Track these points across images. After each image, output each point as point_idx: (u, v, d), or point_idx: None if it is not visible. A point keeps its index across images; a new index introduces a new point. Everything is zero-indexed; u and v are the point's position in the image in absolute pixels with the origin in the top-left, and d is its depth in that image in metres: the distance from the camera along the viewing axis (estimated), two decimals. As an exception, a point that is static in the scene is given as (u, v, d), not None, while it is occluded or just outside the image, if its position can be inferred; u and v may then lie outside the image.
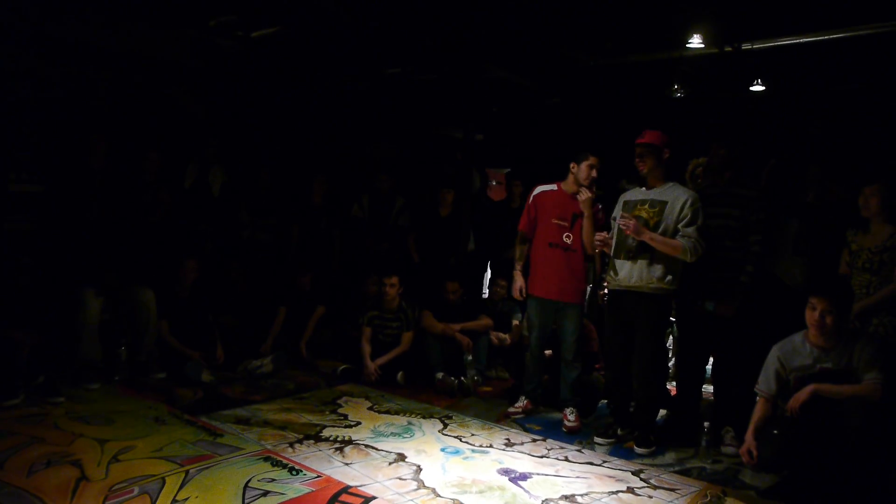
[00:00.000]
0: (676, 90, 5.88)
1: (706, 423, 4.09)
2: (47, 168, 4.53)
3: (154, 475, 3.06)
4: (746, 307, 3.89)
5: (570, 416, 4.22)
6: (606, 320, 4.17)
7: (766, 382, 3.41)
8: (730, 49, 5.37)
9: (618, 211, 4.05)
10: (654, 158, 3.86)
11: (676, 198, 3.80)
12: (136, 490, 2.89)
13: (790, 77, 6.09)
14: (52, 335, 4.24)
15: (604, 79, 6.68)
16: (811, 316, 3.24)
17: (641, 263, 3.81)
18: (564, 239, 4.27)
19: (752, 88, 6.13)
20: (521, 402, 4.49)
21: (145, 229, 4.97)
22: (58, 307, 4.29)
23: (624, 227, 3.81)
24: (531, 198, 4.49)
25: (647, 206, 3.86)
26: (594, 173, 4.20)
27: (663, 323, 4.04)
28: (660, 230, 3.77)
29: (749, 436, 3.36)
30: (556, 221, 4.30)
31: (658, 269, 3.78)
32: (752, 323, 3.92)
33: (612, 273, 3.99)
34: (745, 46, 5.35)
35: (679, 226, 3.76)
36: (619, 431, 4.03)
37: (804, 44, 5.14)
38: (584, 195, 4.19)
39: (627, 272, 3.86)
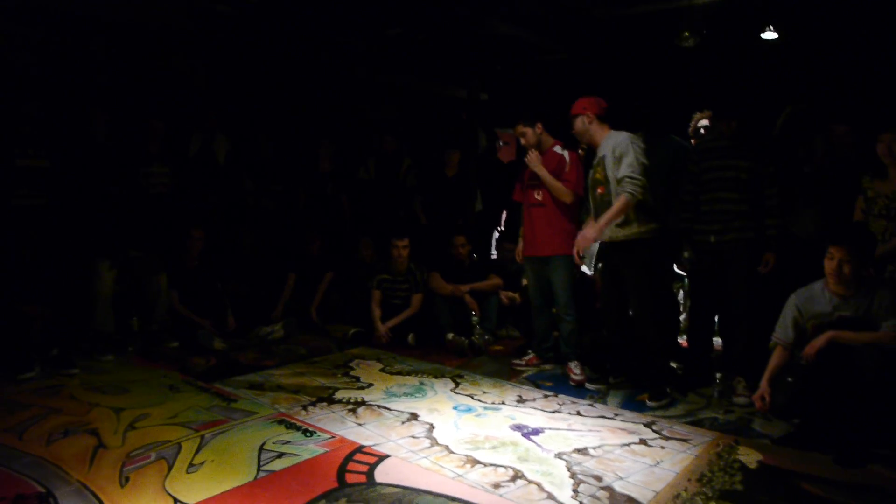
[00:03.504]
0: (686, 38, 5.72)
1: (718, 374, 4.09)
2: (52, 142, 4.54)
3: (170, 441, 3.09)
4: (755, 259, 3.87)
5: (575, 370, 4.23)
6: (601, 272, 4.25)
7: (783, 330, 3.39)
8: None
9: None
10: (578, 124, 3.97)
11: (608, 147, 3.88)
12: (153, 456, 2.93)
13: (803, 23, 5.90)
14: (64, 308, 4.27)
15: (611, 31, 6.51)
16: (829, 265, 3.20)
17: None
18: (535, 196, 4.40)
19: (763, 36, 5.95)
20: (528, 356, 4.58)
21: (151, 200, 4.96)
22: (71, 280, 4.32)
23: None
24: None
25: (597, 167, 3.97)
26: (522, 140, 4.40)
27: (649, 269, 3.89)
28: (609, 184, 3.83)
29: (764, 382, 3.36)
30: (527, 182, 4.46)
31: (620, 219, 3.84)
32: (760, 274, 3.88)
33: None
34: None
35: (614, 172, 3.80)
36: (610, 379, 4.13)
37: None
38: (528, 158, 4.36)
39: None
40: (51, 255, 4.32)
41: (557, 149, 4.37)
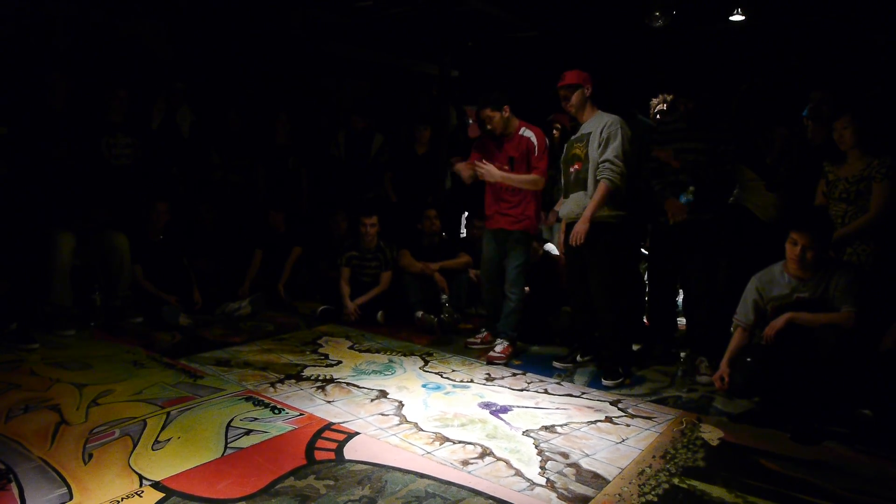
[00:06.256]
0: (657, 18, 5.74)
1: (681, 354, 4.19)
2: (8, 109, 4.37)
3: (135, 417, 3.04)
4: (713, 242, 3.93)
5: (497, 348, 4.25)
6: (565, 252, 4.21)
7: (744, 312, 3.47)
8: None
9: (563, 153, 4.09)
10: (577, 97, 3.88)
11: (596, 126, 3.84)
12: (118, 432, 2.88)
13: (770, 7, 5.97)
14: (23, 282, 4.14)
15: (582, 10, 6.50)
16: (792, 250, 3.26)
17: (576, 197, 3.91)
18: (504, 168, 4.29)
19: (731, 18, 6.01)
20: (481, 334, 4.58)
21: (114, 172, 4.81)
22: (27, 252, 4.18)
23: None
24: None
25: (577, 143, 3.94)
26: (488, 125, 4.25)
27: (611, 254, 3.87)
28: (589, 163, 3.82)
29: (723, 363, 3.45)
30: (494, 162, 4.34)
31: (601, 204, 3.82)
32: (724, 255, 3.96)
33: (561, 209, 4.10)
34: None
35: (598, 154, 3.77)
36: (577, 358, 4.18)
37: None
38: (484, 173, 4.23)
39: (568, 207, 3.98)
40: (7, 226, 4.18)
41: (524, 131, 4.25)
